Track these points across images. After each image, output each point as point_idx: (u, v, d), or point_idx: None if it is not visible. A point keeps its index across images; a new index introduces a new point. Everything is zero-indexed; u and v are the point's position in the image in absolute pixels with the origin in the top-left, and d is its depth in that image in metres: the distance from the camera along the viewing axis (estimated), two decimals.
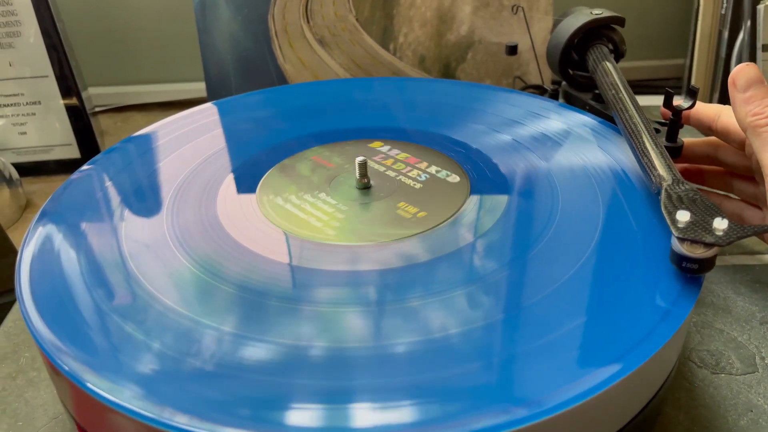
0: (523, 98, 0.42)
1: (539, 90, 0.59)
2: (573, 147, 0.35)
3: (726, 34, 0.57)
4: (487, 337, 0.23)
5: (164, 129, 0.40)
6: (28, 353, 0.35)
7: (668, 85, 0.68)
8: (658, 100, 0.65)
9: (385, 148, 0.36)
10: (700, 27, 0.59)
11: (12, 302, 0.40)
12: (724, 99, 0.58)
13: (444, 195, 0.31)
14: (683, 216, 0.25)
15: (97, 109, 0.65)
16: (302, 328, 0.24)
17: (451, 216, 0.29)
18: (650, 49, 0.68)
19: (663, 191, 0.27)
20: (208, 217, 0.30)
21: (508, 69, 0.61)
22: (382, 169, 0.34)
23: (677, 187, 0.27)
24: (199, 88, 0.67)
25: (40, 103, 0.54)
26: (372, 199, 0.31)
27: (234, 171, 0.35)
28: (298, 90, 0.45)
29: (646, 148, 0.31)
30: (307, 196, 0.32)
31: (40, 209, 0.31)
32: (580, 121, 0.39)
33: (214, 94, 0.63)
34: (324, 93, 0.44)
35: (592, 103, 0.44)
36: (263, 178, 0.34)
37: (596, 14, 0.44)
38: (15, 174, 0.52)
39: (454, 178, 0.32)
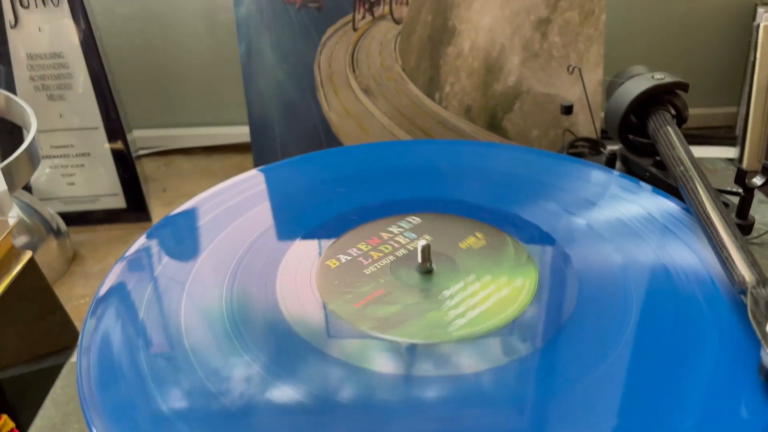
0: (599, 174, 0.40)
1: (590, 143, 0.58)
2: (651, 236, 0.33)
3: None
4: None
5: (212, 201, 0.39)
6: (78, 425, 0.35)
7: (720, 133, 0.66)
8: (709, 152, 0.64)
9: (451, 227, 0.35)
10: (756, 80, 0.57)
11: (60, 366, 0.39)
12: None
13: (508, 289, 0.30)
14: None
15: (141, 152, 0.65)
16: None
17: (512, 318, 0.28)
18: (701, 97, 0.67)
19: (749, 295, 0.26)
20: (268, 303, 0.30)
21: (555, 120, 0.60)
22: (447, 251, 0.33)
23: (764, 291, 0.26)
24: (242, 132, 0.67)
25: (89, 154, 0.54)
26: (432, 286, 0.30)
27: (290, 249, 0.34)
28: (354, 153, 0.44)
29: (723, 241, 0.29)
30: (366, 280, 0.31)
31: (96, 294, 0.31)
32: (658, 205, 0.36)
33: (257, 139, 0.63)
34: (382, 156, 0.43)
35: (653, 170, 0.43)
36: (323, 255, 0.33)
37: (658, 79, 0.42)
38: (63, 226, 0.52)
39: (521, 270, 0.31)
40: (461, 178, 0.40)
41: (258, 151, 0.64)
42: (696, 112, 0.67)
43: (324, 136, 0.63)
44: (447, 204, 0.37)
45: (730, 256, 0.28)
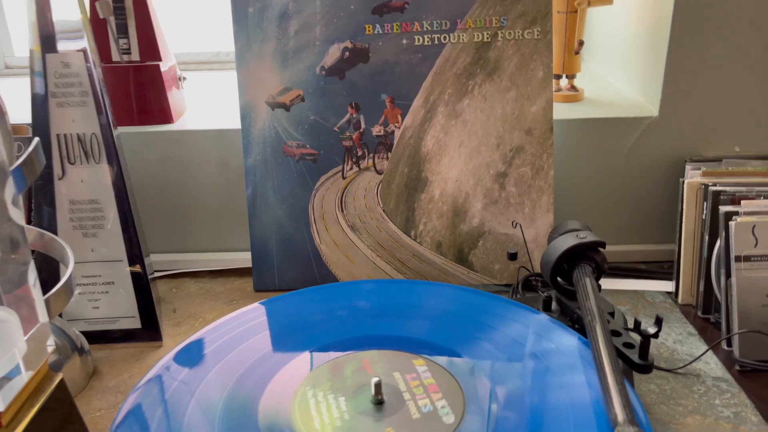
0: (526, 315, 0.49)
1: (541, 278, 0.67)
2: (562, 372, 0.42)
3: (707, 237, 0.64)
4: None
5: (220, 329, 0.48)
6: None
7: (663, 268, 0.75)
8: (650, 285, 0.72)
9: (409, 366, 0.44)
10: (684, 228, 0.67)
11: None
12: (707, 291, 0.65)
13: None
14: None
15: (155, 274, 0.75)
16: None
17: None
18: (642, 235, 0.76)
19: (615, 431, 0.34)
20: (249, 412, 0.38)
21: (518, 260, 0.69)
22: (402, 388, 0.41)
23: (629, 428, 0.34)
24: (244, 257, 0.77)
25: (113, 282, 0.63)
26: (381, 416, 0.39)
27: (290, 362, 0.43)
28: (342, 290, 0.54)
29: (607, 384, 0.37)
30: (330, 397, 0.39)
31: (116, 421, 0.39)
32: (566, 344, 0.45)
33: (257, 266, 0.73)
34: (379, 293, 0.53)
35: (579, 311, 0.52)
36: (312, 372, 0.41)
37: (581, 238, 0.52)
38: (86, 345, 0.60)
39: (450, 419, 0.39)
40: (428, 319, 0.49)
41: (258, 275, 0.73)
42: (639, 248, 0.76)
43: (315, 264, 0.72)
44: (406, 343, 0.46)
45: (610, 398, 0.36)
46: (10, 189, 0.44)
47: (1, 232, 0.43)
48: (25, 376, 0.45)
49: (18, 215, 0.45)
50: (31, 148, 0.52)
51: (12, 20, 1.04)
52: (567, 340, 0.46)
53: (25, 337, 0.46)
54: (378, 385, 0.39)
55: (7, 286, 0.44)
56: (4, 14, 1.03)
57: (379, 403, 0.39)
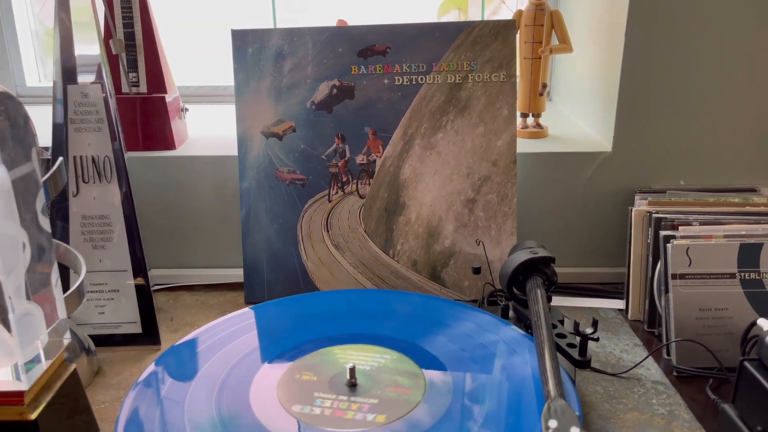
0: (480, 316, 0.57)
1: (504, 293, 0.74)
2: (506, 357, 0.49)
3: (650, 259, 0.72)
4: None
5: (211, 331, 0.55)
6: None
7: (614, 288, 0.82)
8: (604, 303, 0.80)
9: (377, 355, 0.51)
10: (632, 251, 0.75)
11: None
12: (652, 308, 0.72)
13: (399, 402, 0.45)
14: (552, 423, 0.38)
15: (155, 288, 0.82)
16: None
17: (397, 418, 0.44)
18: (597, 259, 0.84)
19: (546, 404, 0.41)
20: (242, 406, 0.45)
21: (482, 274, 0.77)
22: (370, 371, 0.48)
23: (555, 402, 0.41)
24: (236, 273, 0.84)
25: (118, 290, 0.70)
26: (356, 395, 0.46)
27: (270, 361, 0.49)
28: (322, 298, 0.61)
29: (545, 367, 0.45)
30: (308, 381, 0.46)
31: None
32: (508, 335, 0.53)
33: (249, 280, 0.80)
34: (343, 300, 0.60)
35: (531, 318, 0.59)
36: (289, 366, 0.48)
37: (533, 254, 0.60)
38: (92, 346, 0.67)
39: (415, 386, 0.47)
40: (395, 319, 0.56)
41: (249, 289, 0.80)
42: (594, 271, 0.84)
43: (302, 280, 0.79)
44: (379, 339, 0.53)
45: (546, 379, 0.44)
46: (41, 200, 0.51)
47: (32, 237, 0.50)
48: (44, 364, 0.52)
49: (45, 223, 0.52)
50: (55, 167, 0.60)
51: (24, 53, 1.13)
52: (510, 333, 0.53)
53: (47, 330, 0.52)
54: (352, 370, 0.46)
55: (34, 285, 0.50)
56: (19, 48, 1.11)
57: (352, 385, 0.46)
